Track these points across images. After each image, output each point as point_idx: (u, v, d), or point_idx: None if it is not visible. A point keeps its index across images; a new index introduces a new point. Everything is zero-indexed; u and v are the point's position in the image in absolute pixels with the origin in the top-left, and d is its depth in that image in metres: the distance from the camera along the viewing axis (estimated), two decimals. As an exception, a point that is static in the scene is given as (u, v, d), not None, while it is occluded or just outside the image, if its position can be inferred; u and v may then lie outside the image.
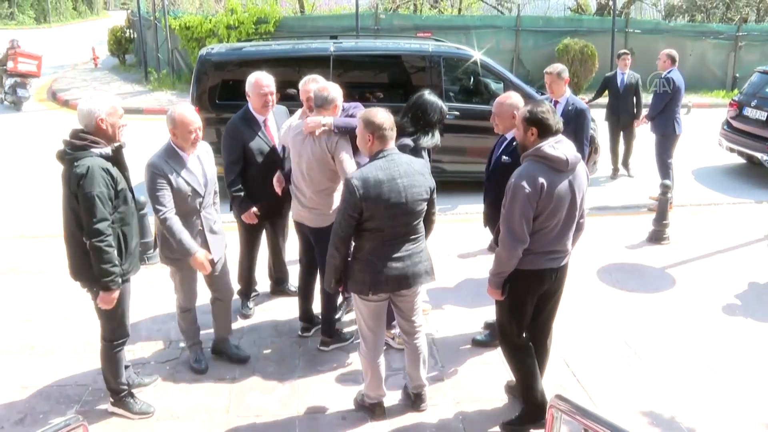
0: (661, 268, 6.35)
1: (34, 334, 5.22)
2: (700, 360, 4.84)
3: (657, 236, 7.00)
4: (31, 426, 4.06)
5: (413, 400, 4.27)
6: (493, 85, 9.28)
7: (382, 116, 3.71)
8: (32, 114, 15.25)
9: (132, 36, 22.60)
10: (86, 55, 24.03)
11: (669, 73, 8.06)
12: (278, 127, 5.10)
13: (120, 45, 22.30)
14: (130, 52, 22.77)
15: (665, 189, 6.96)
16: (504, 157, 4.42)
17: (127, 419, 4.19)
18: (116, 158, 3.86)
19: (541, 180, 3.53)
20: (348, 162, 4.43)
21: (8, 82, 15.34)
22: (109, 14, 54.46)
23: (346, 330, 5.11)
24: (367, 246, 3.77)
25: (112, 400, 4.25)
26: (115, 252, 3.79)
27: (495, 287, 3.84)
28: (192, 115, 4.14)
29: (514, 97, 4.42)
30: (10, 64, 15.36)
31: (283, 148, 5.06)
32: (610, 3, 18.92)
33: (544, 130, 3.63)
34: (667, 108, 8.00)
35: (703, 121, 13.73)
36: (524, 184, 3.53)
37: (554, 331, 5.18)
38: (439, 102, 4.62)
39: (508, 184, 3.65)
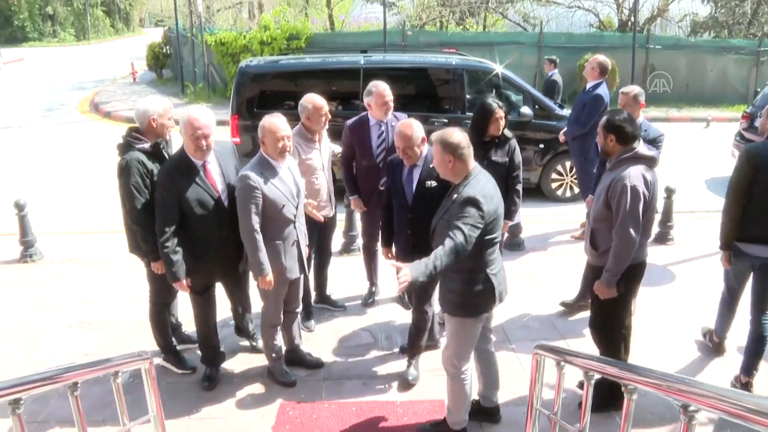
0: (663, 266, 6.80)
1: (91, 313, 5.86)
2: (693, 346, 5.29)
3: (662, 237, 7.43)
4: (93, 384, 4.64)
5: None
6: (514, 97, 9.77)
7: (458, 136, 3.67)
8: (77, 125, 16.14)
9: (169, 51, 23.55)
10: (125, 69, 25.10)
11: (597, 88, 7.09)
12: (222, 171, 4.41)
13: (158, 60, 23.26)
14: (167, 67, 23.72)
15: (669, 193, 7.38)
16: (429, 182, 4.35)
17: (173, 383, 4.78)
18: (156, 153, 4.42)
19: (647, 177, 3.94)
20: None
21: None
22: (144, 31, 56.02)
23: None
24: (486, 262, 3.72)
25: (163, 356, 4.91)
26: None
27: (610, 286, 4.02)
28: (281, 123, 4.19)
29: (415, 127, 4.38)
30: None
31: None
32: (632, 19, 19.32)
33: (622, 137, 3.97)
34: (593, 128, 6.36)
35: (720, 134, 14.04)
36: (639, 185, 3.85)
37: (559, 318, 5.73)
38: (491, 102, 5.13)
39: (616, 186, 3.88)
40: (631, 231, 3.88)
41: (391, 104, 5.45)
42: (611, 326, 4.30)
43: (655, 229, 7.48)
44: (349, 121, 5.59)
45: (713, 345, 5.18)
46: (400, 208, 4.59)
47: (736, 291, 4.84)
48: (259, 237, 4.21)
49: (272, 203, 4.21)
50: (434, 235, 3.81)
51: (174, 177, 4.18)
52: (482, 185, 3.64)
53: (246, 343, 5.27)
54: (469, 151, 3.67)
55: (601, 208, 4.06)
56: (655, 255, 7.06)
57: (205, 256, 4.37)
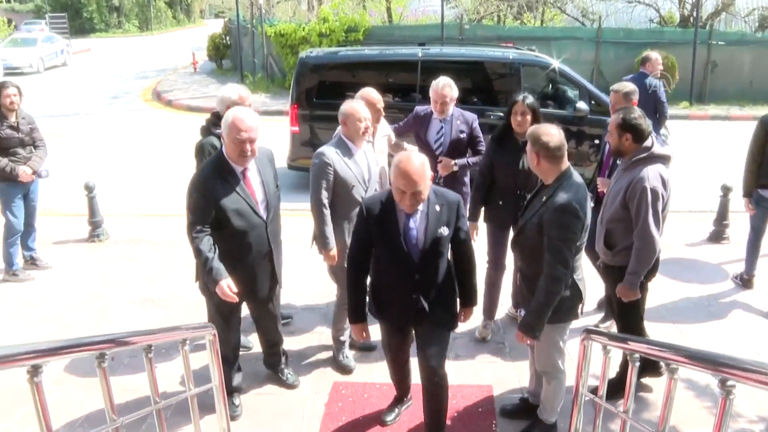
0: (717, 264, 6.73)
1: (154, 291, 6.17)
2: (743, 341, 5.26)
3: (717, 236, 7.33)
4: (155, 356, 4.88)
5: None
6: (570, 92, 9.74)
7: (550, 134, 3.50)
8: (140, 112, 16.73)
9: (229, 42, 24.06)
10: (186, 59, 25.73)
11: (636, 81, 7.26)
12: (262, 179, 4.07)
13: (218, 50, 23.77)
14: (227, 57, 24.22)
15: (726, 191, 7.28)
16: (441, 228, 3.55)
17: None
18: None
19: (664, 176, 3.96)
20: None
21: None
22: (205, 22, 57.11)
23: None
24: (572, 269, 3.59)
25: None
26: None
27: (633, 288, 4.03)
28: (361, 107, 4.39)
29: (425, 164, 3.35)
30: None
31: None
32: (694, 14, 18.89)
33: (639, 135, 3.95)
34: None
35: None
36: (658, 186, 3.86)
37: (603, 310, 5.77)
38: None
39: (635, 188, 3.85)
40: (654, 233, 3.89)
41: (447, 103, 5.29)
42: (636, 318, 4.33)
43: (710, 228, 7.43)
44: (420, 107, 5.59)
45: (743, 282, 6.15)
46: (400, 267, 3.58)
47: (760, 230, 5.96)
48: (327, 211, 4.42)
49: (342, 182, 4.41)
50: (519, 238, 3.80)
51: (211, 183, 3.79)
52: (575, 188, 3.50)
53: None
54: (560, 153, 3.49)
55: (617, 209, 4.02)
56: (709, 254, 7.02)
57: (236, 272, 3.91)
